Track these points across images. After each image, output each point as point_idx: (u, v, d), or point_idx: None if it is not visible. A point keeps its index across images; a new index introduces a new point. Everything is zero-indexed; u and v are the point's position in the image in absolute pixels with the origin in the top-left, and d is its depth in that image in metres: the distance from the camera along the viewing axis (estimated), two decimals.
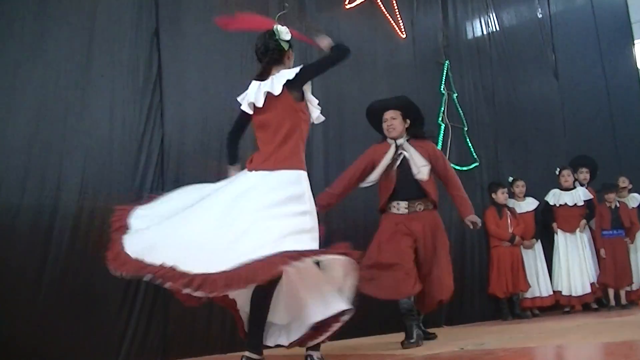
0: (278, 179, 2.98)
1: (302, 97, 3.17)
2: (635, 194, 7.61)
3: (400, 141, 4.43)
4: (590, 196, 7.08)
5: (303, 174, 3.08)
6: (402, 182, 4.36)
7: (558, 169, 7.25)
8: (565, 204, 7.03)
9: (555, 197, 7.11)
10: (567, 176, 7.15)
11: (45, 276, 3.69)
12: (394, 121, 4.44)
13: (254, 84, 3.20)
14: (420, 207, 4.35)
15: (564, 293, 6.86)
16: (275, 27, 3.23)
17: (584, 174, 7.36)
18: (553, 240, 7.06)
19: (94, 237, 3.87)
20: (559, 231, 7.01)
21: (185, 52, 4.66)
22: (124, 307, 3.97)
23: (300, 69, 3.13)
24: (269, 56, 3.20)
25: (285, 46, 3.24)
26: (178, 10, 4.67)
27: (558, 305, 7.01)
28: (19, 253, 3.63)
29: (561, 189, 7.14)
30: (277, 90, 3.08)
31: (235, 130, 3.37)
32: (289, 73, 3.10)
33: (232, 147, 3.37)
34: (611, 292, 6.91)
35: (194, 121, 4.60)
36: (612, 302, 6.89)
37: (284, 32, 3.23)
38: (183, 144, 4.48)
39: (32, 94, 3.86)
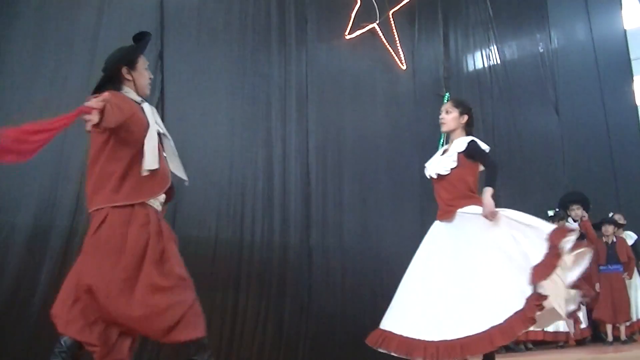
0: None
1: None
2: (630, 232, 7.55)
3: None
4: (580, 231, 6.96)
5: None
6: None
7: (553, 211, 6.93)
8: None
9: None
10: (577, 210, 7.01)
11: (37, 296, 3.67)
12: None
13: None
14: None
15: (550, 330, 6.73)
16: None
17: (575, 211, 7.16)
18: None
19: None
20: None
21: (188, 77, 4.69)
22: None
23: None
24: None
25: None
26: (183, 34, 4.70)
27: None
28: (11, 272, 3.62)
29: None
30: None
31: None
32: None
33: None
34: (609, 327, 6.84)
35: (194, 145, 4.61)
36: (610, 337, 6.82)
37: None
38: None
39: (30, 115, 3.83)
